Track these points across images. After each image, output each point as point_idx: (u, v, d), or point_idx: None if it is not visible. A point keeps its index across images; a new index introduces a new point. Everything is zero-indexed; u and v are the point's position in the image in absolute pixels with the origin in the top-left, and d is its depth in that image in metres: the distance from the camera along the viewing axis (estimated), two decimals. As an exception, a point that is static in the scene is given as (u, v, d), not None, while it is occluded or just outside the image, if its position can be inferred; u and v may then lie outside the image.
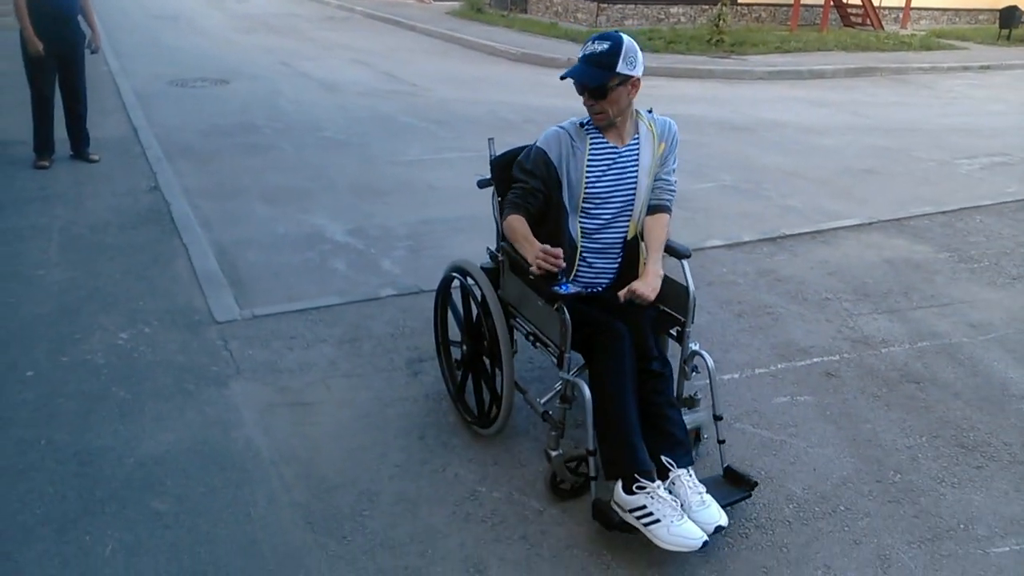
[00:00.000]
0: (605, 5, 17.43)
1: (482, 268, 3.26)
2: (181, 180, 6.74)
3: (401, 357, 3.88)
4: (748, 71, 13.24)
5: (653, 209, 3.05)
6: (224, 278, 4.77)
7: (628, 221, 3.04)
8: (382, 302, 4.45)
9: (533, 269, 2.76)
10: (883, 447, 3.38)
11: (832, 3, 18.94)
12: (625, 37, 2.93)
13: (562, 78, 3.01)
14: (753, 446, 3.32)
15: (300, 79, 11.45)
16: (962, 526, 2.93)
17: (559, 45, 15.14)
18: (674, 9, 17.96)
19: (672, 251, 3.05)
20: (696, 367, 3.04)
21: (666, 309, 3.05)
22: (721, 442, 2.97)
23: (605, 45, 2.89)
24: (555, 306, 2.74)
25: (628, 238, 3.05)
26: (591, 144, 3.02)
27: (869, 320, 4.53)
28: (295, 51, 13.96)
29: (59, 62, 6.45)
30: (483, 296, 3.07)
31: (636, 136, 3.06)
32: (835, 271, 5.19)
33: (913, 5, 20.41)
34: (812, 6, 19.27)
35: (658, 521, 2.55)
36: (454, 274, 3.34)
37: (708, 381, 2.97)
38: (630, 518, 2.61)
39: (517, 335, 3.21)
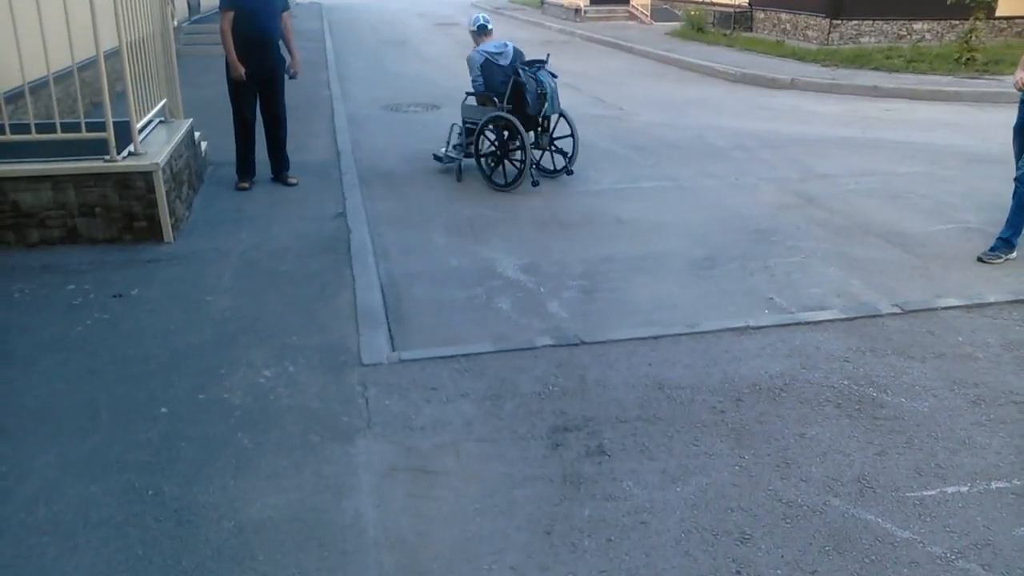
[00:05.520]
0: (839, 21, 16.02)
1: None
2: (372, 205, 6.72)
3: (544, 423, 3.39)
4: (1003, 93, 11.45)
5: None
6: (384, 314, 4.56)
7: None
8: (536, 353, 3.99)
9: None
10: None
11: (1121, 12, 16.20)
12: None
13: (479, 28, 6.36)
14: (984, 596, 2.50)
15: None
16: None
17: (784, 64, 14.04)
18: (918, 25, 16.15)
19: None
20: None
21: None
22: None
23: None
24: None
25: None
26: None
27: None
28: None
29: (260, 87, 6.64)
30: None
31: None
32: (1115, 349, 4.06)
33: None
34: (1094, 17, 16.61)
35: None
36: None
37: None
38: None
39: None
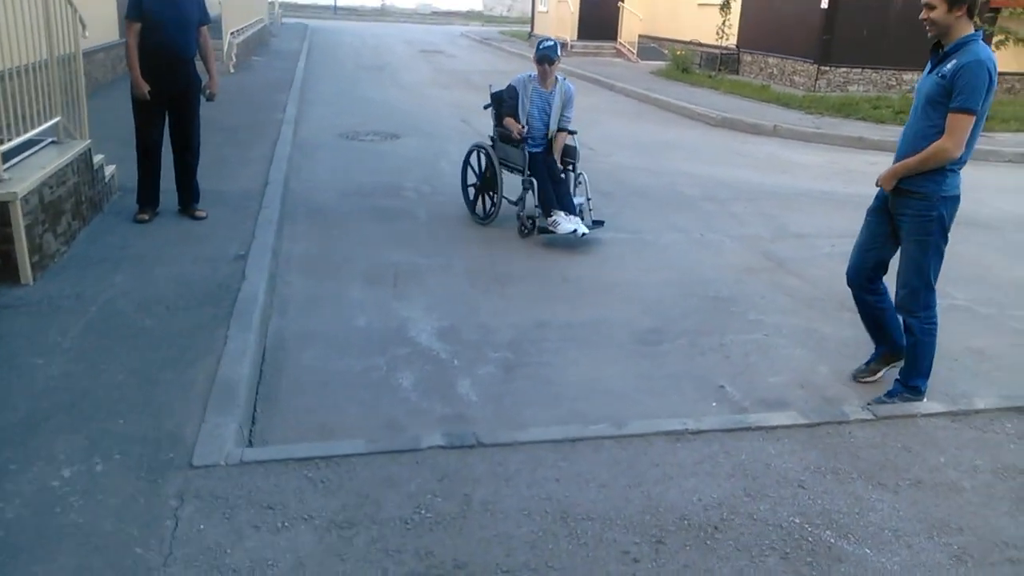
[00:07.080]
0: (827, 68, 15.49)
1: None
2: (290, 246, 5.97)
3: (401, 570, 2.58)
4: (994, 151, 10.86)
5: (560, 129, 6.58)
6: (249, 391, 3.76)
7: (547, 128, 6.58)
8: (419, 457, 3.18)
9: (516, 135, 6.34)
10: None
11: (1117, 73, 15.75)
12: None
13: (541, 49, 6.43)
14: None
15: (473, 138, 10.65)
16: None
17: (767, 110, 13.44)
18: (908, 75, 15.59)
19: (568, 132, 6.61)
20: (580, 182, 6.55)
21: (567, 158, 6.67)
22: (591, 210, 6.45)
23: (552, 41, 6.56)
24: (520, 146, 6.38)
25: (548, 136, 6.61)
26: (533, 89, 6.50)
27: None
28: (482, 108, 13.31)
29: (169, 108, 5.88)
30: (488, 153, 6.70)
31: (554, 88, 6.54)
32: None
33: None
34: (1089, 76, 16.16)
35: (558, 223, 6.10)
36: (474, 146, 6.95)
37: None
38: (548, 225, 6.20)
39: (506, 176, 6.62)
